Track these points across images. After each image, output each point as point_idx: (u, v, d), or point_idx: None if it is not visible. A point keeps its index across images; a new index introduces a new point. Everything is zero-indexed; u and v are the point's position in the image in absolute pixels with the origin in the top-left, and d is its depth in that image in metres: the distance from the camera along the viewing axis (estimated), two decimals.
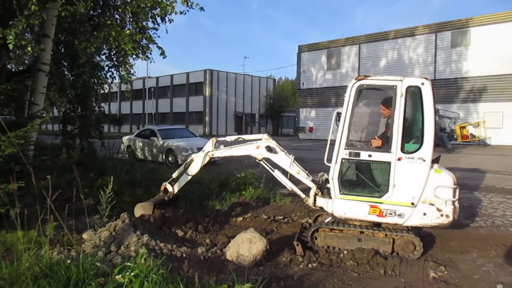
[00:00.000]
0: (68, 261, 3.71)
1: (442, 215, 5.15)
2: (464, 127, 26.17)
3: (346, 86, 5.38)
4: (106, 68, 12.42)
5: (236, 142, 6.82)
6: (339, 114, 5.46)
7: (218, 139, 6.89)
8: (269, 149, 6.17)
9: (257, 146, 6.25)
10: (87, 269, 3.53)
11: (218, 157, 6.83)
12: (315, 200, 5.79)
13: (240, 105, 53.27)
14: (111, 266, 3.89)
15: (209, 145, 6.71)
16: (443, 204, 5.13)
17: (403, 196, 5.21)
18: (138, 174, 10.49)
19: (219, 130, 49.34)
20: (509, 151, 22.66)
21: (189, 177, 6.74)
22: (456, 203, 5.19)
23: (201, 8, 10.14)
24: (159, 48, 10.25)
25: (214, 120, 49.78)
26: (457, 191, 5.18)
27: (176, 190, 6.85)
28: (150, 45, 10.40)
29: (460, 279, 4.71)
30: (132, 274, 3.34)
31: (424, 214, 5.19)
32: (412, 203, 5.20)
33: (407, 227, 5.48)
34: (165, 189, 6.90)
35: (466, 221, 7.15)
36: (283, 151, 6.16)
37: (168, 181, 6.96)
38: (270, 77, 64.45)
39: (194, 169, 6.70)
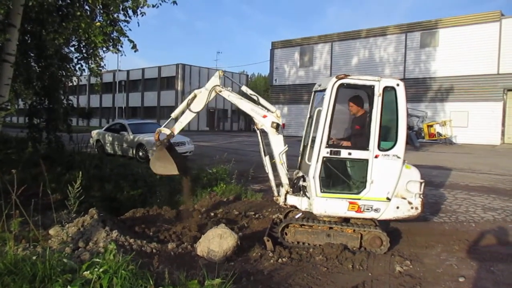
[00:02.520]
0: (34, 258, 3.60)
1: (412, 208, 5.44)
2: (431, 126, 26.84)
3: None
4: (75, 60, 12.17)
5: (248, 98, 6.20)
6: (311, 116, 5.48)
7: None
8: (276, 126, 5.77)
9: (265, 115, 5.83)
10: (54, 265, 3.44)
11: (225, 97, 6.13)
12: (285, 199, 5.82)
13: (212, 100, 52.73)
14: (79, 262, 3.81)
15: (216, 78, 6.04)
16: (413, 197, 5.43)
17: (380, 192, 5.40)
18: (107, 169, 10.32)
19: (191, 126, 48.76)
20: (473, 149, 23.41)
21: (193, 115, 6.00)
22: (422, 196, 5.50)
23: (174, 2, 10.06)
24: (131, 41, 10.09)
25: None
26: (423, 185, 5.51)
27: (176, 131, 5.92)
28: (121, 38, 10.25)
29: (424, 272, 4.87)
30: (101, 270, 3.29)
31: (397, 207, 5.44)
32: (388, 198, 5.40)
33: (375, 222, 5.68)
34: (161, 135, 5.88)
35: (432, 217, 7.37)
36: (284, 136, 5.94)
37: (164, 124, 6.14)
38: (243, 72, 64.49)
39: (199, 105, 6.01)
